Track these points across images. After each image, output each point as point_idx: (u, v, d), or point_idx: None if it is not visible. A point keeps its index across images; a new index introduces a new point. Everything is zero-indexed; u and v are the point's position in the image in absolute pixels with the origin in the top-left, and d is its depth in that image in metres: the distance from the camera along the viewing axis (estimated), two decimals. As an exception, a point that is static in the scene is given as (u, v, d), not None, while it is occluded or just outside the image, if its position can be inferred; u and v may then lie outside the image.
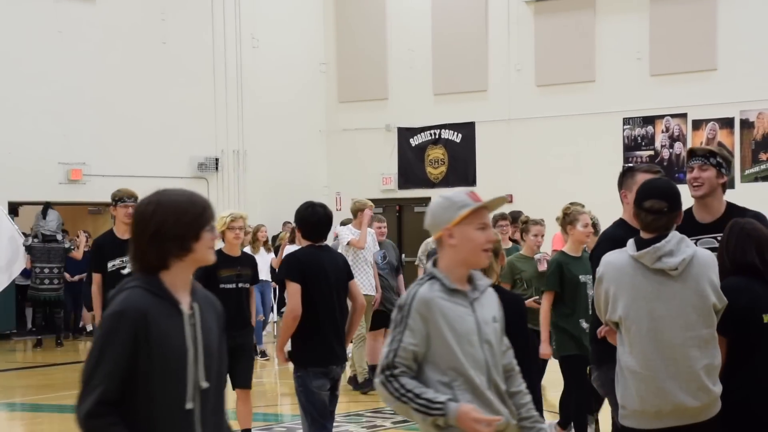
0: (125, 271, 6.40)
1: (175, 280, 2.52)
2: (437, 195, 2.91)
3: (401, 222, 17.48)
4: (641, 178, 4.18)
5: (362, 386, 9.11)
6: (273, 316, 13.48)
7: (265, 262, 11.75)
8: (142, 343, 2.43)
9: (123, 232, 6.53)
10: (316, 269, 5.03)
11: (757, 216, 4.17)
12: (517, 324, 3.73)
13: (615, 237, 4.12)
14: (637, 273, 3.50)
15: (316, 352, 5.03)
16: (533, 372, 3.81)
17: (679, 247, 3.49)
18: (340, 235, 9.31)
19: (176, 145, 16.40)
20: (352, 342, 9.46)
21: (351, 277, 5.33)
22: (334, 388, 5.16)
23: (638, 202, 3.58)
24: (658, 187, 3.61)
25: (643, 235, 3.56)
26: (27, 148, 14.69)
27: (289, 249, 11.41)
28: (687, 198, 4.16)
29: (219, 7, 17.14)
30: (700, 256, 3.54)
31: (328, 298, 5.06)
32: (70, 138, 15.15)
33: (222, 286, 6.11)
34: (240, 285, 6.34)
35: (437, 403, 2.70)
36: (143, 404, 2.44)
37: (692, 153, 4.18)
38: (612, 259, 3.59)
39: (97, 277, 6.55)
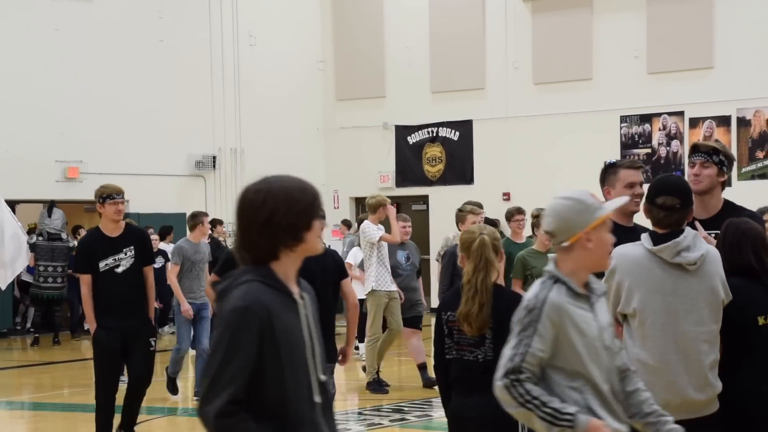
0: (120, 270, 6.26)
1: (286, 270, 2.44)
2: (557, 198, 2.83)
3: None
4: (624, 174, 4.19)
5: (368, 386, 8.93)
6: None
7: None
8: (268, 338, 2.34)
9: (112, 230, 6.35)
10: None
11: (753, 216, 4.18)
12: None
13: None
14: (654, 266, 3.51)
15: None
16: None
17: (696, 242, 3.52)
18: (368, 231, 8.97)
19: (174, 142, 16.39)
20: (365, 341, 9.44)
21: (344, 276, 5.26)
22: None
23: (650, 198, 3.59)
24: (671, 183, 3.63)
25: (657, 230, 3.58)
26: (24, 146, 14.68)
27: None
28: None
29: (216, 5, 17.13)
30: (711, 253, 3.57)
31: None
32: (67, 136, 15.14)
33: None
34: None
35: (566, 414, 2.66)
36: (275, 401, 2.36)
37: (695, 148, 4.16)
38: (626, 251, 3.58)
39: (86, 279, 6.31)
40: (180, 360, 8.86)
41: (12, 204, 14.88)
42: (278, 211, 2.38)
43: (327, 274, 5.09)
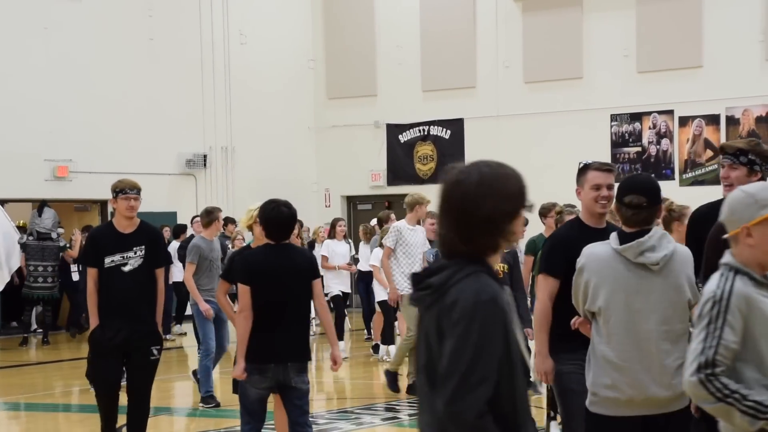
0: (126, 268, 5.85)
1: (493, 261, 2.35)
2: (739, 190, 2.72)
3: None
4: (592, 175, 4.27)
5: (387, 373, 8.69)
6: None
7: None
8: (507, 333, 2.26)
9: (125, 227, 5.93)
10: (266, 269, 5.03)
11: None
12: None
13: (565, 239, 4.19)
14: (619, 265, 3.55)
15: (255, 349, 5.04)
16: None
17: (661, 242, 3.54)
18: (401, 230, 8.66)
19: (164, 141, 16.35)
20: (398, 340, 9.25)
21: (315, 276, 5.24)
22: (286, 388, 5.08)
23: (619, 197, 3.62)
24: (639, 182, 3.65)
25: (625, 228, 3.60)
26: (13, 145, 14.61)
27: (328, 244, 11.47)
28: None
29: (206, 4, 17.09)
30: (679, 252, 3.59)
31: (276, 297, 5.02)
32: (56, 134, 15.08)
33: None
34: None
35: None
36: (506, 397, 2.27)
37: (722, 150, 4.13)
38: (594, 250, 3.64)
39: (92, 272, 5.90)
40: (208, 369, 8.24)
41: (0, 203, 14.84)
42: (499, 204, 2.31)
43: (297, 272, 5.09)
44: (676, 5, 15.74)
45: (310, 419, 5.38)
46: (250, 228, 6.11)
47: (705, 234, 4.04)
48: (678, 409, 3.56)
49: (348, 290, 11.70)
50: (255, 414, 5.13)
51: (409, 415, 8.03)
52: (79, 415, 8.99)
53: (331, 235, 11.71)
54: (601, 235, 3.94)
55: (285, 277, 5.06)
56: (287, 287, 5.07)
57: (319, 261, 11.32)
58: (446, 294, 2.27)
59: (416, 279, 2.35)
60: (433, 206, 8.58)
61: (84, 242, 6.17)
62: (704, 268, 3.71)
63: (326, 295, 11.22)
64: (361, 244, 12.17)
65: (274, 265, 5.05)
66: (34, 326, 14.45)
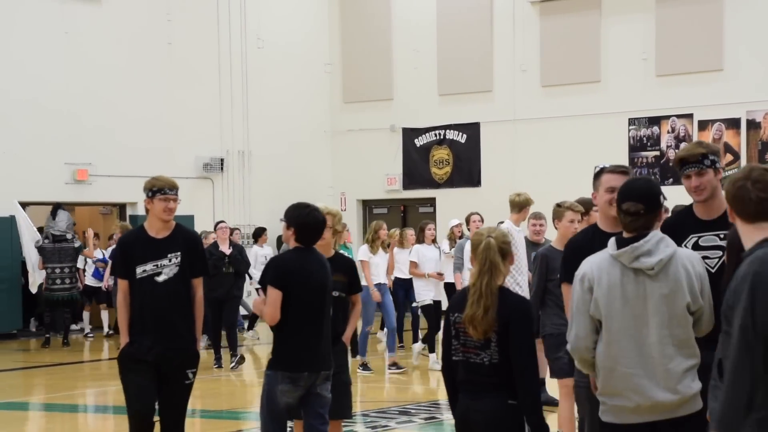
0: (161, 279, 5.16)
1: None
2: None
3: (405, 222, 17.50)
4: (606, 178, 4.27)
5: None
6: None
7: (384, 263, 11.00)
8: None
9: (158, 230, 5.22)
10: (301, 274, 4.85)
11: None
12: (522, 326, 3.73)
13: (581, 246, 4.15)
14: (616, 271, 3.52)
15: (288, 357, 4.84)
16: (536, 375, 3.79)
17: (658, 246, 3.50)
18: (511, 232, 7.67)
19: (182, 145, 16.45)
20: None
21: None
22: (310, 395, 4.91)
23: (618, 204, 3.60)
24: (636, 189, 3.60)
25: (625, 234, 3.58)
26: (34, 149, 14.75)
27: (418, 249, 10.71)
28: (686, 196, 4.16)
29: (224, 8, 17.20)
30: (680, 256, 3.55)
31: (309, 303, 4.85)
32: (76, 138, 15.21)
33: None
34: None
35: None
36: None
37: (683, 161, 4.06)
38: (594, 258, 3.62)
39: (123, 284, 5.22)
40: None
41: (22, 206, 15.00)
42: None
43: (326, 276, 4.99)
44: (697, 8, 15.69)
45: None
46: None
47: (677, 241, 4.01)
48: (688, 413, 3.52)
49: (440, 298, 10.68)
50: (279, 422, 4.92)
51: (424, 419, 8.03)
52: (97, 415, 9.08)
53: (420, 239, 10.92)
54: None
55: (317, 282, 4.90)
56: (319, 293, 4.91)
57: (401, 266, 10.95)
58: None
59: None
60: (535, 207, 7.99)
61: (114, 251, 5.36)
62: (727, 272, 3.66)
63: (417, 303, 10.85)
64: (396, 250, 11.32)
65: (309, 269, 4.90)
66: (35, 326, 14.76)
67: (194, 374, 5.21)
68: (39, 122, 14.87)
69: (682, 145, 16.06)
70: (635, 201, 3.51)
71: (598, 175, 4.33)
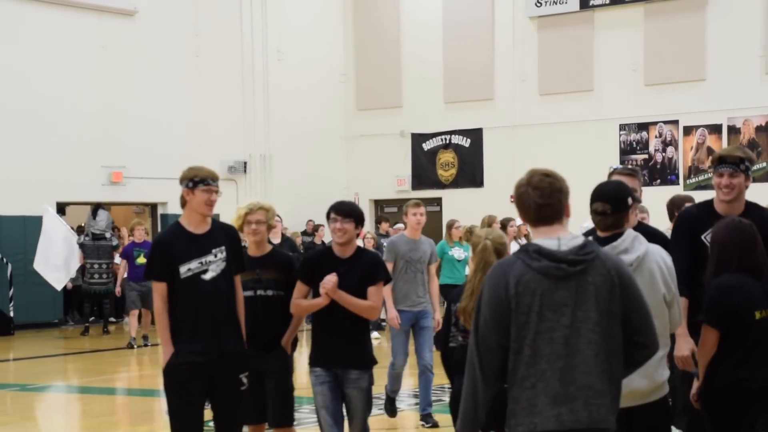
0: (207, 276, 4.34)
1: None
2: None
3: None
4: (614, 179, 4.22)
5: None
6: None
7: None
8: None
9: (197, 225, 4.40)
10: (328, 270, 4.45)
11: None
12: None
13: None
14: None
15: (316, 353, 4.53)
16: None
17: (633, 244, 3.51)
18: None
19: (208, 149, 16.60)
20: None
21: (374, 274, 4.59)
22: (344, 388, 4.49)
23: (590, 205, 3.62)
24: (604, 191, 3.60)
25: (599, 234, 3.59)
26: (73, 153, 14.95)
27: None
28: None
29: (248, 23, 17.35)
30: (652, 252, 3.55)
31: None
32: (111, 143, 15.40)
33: (244, 293, 4.57)
34: (259, 292, 4.75)
35: None
36: None
37: (722, 160, 4.05)
38: None
39: (160, 288, 4.34)
40: (397, 377, 6.81)
41: (62, 206, 15.20)
42: None
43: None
44: (682, 22, 15.77)
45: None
46: (240, 229, 4.80)
47: (697, 232, 4.06)
48: (657, 399, 3.51)
49: None
50: (328, 414, 4.48)
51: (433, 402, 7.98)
52: (130, 398, 9.23)
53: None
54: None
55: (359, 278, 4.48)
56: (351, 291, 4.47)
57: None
58: None
59: None
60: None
61: (149, 251, 4.49)
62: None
63: None
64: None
65: (350, 267, 4.52)
66: (92, 318, 14.79)
67: (247, 378, 4.44)
68: (78, 129, 15.06)
69: (669, 149, 16.14)
70: (603, 201, 3.51)
71: (610, 176, 4.31)
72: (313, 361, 4.55)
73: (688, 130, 15.95)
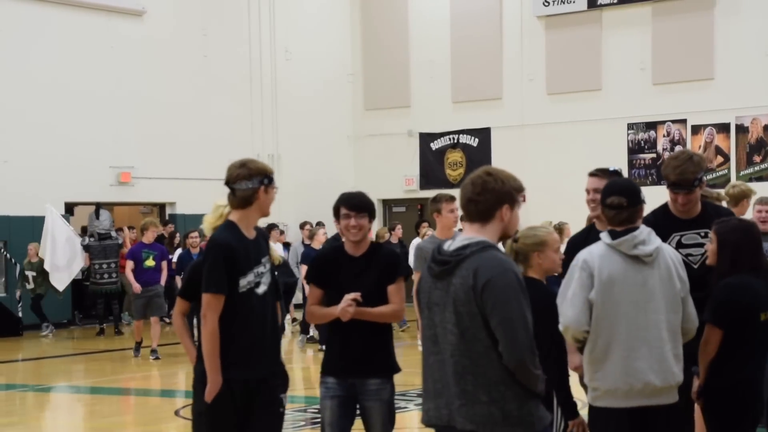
0: (260, 290, 3.74)
1: None
2: None
3: (422, 220, 17.57)
4: (587, 181, 4.32)
5: None
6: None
7: None
8: None
9: (251, 228, 3.78)
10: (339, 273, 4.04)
11: (730, 213, 4.22)
12: (549, 320, 3.55)
13: (580, 243, 4.08)
14: (616, 259, 3.48)
15: (330, 360, 4.04)
16: (563, 368, 3.71)
17: (650, 237, 3.52)
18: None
19: (216, 149, 16.59)
20: None
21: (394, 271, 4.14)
22: (353, 399, 4.00)
23: (602, 200, 3.61)
24: (618, 185, 3.63)
25: (616, 228, 3.56)
26: (82, 153, 14.97)
27: None
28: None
29: (255, 23, 17.35)
30: (665, 248, 3.57)
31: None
32: (119, 144, 15.42)
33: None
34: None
35: None
36: None
37: (675, 185, 4.02)
38: (590, 248, 3.59)
39: (217, 303, 3.65)
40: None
41: (71, 206, 15.22)
42: None
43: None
44: (690, 22, 15.70)
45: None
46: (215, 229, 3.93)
47: (663, 238, 3.96)
48: (669, 403, 3.47)
49: None
50: (332, 425, 4.02)
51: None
52: (140, 398, 9.22)
53: None
54: None
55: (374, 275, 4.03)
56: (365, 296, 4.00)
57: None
58: None
59: None
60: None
61: (204, 258, 3.77)
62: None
63: None
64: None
65: (368, 263, 4.04)
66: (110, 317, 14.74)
67: (285, 399, 3.91)
68: (87, 129, 15.08)
69: (677, 148, 16.04)
70: (618, 195, 3.51)
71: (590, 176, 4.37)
72: (326, 370, 4.02)
73: (696, 129, 15.88)
